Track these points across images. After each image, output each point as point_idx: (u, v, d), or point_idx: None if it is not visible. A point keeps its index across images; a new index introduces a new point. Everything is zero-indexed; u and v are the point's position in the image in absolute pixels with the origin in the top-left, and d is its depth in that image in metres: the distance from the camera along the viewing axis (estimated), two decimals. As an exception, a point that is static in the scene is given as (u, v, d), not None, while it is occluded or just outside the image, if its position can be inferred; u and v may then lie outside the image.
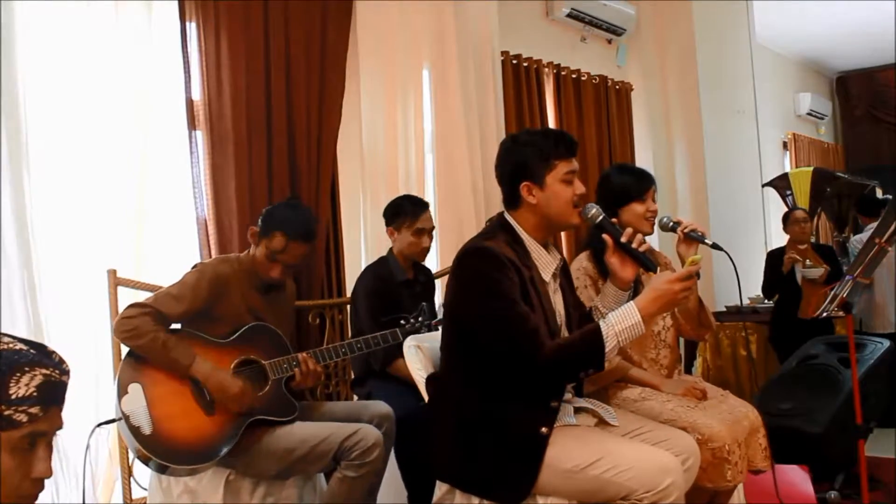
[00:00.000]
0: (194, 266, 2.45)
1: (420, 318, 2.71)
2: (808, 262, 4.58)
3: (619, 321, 1.90)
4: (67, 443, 2.55)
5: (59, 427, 1.14)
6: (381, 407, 2.54)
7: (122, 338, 2.27)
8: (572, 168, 2.03)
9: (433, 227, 3.21)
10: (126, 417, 2.19)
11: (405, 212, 3.12)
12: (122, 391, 2.22)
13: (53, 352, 1.15)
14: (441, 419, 2.06)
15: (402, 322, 2.69)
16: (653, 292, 1.92)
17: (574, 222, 2.08)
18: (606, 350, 1.88)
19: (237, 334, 2.40)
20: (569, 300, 2.18)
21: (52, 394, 1.11)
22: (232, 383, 2.30)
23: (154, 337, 2.24)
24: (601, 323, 1.92)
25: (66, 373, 1.14)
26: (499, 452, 1.94)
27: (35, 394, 1.08)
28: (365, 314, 2.98)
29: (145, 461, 2.23)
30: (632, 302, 1.93)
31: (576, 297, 2.25)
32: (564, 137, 2.08)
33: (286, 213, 2.50)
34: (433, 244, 3.83)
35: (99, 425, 2.29)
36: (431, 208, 3.86)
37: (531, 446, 1.93)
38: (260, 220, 2.50)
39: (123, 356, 2.32)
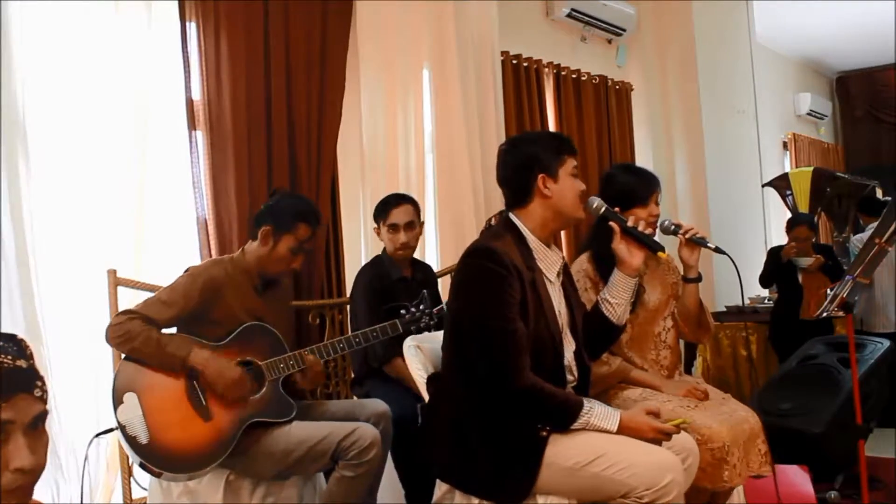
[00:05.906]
0: (186, 270, 2.43)
1: (421, 307, 2.61)
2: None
3: (599, 418, 1.95)
4: (67, 444, 2.55)
5: (35, 413, 1.07)
6: (378, 405, 2.54)
7: (115, 343, 2.26)
8: (576, 164, 2.10)
9: (410, 221, 3.03)
10: (122, 427, 2.19)
11: (378, 210, 3.10)
12: (117, 401, 2.21)
13: (11, 336, 1.09)
14: (441, 419, 2.07)
15: (402, 312, 2.60)
16: (635, 423, 1.96)
17: (582, 216, 2.14)
18: (573, 425, 1.93)
19: (232, 336, 2.38)
20: (571, 300, 2.18)
21: (9, 382, 1.05)
22: (231, 369, 2.30)
23: (147, 336, 2.23)
24: (586, 402, 1.95)
25: (24, 356, 1.08)
26: (499, 453, 1.94)
27: None
28: (362, 314, 2.95)
29: (144, 468, 2.24)
30: (619, 413, 1.97)
31: (577, 297, 2.26)
32: (567, 138, 2.18)
33: (295, 203, 2.51)
34: (433, 244, 3.82)
35: (97, 436, 2.28)
36: (431, 208, 3.86)
37: (531, 447, 1.93)
38: (269, 218, 2.45)
39: (119, 364, 2.30)
